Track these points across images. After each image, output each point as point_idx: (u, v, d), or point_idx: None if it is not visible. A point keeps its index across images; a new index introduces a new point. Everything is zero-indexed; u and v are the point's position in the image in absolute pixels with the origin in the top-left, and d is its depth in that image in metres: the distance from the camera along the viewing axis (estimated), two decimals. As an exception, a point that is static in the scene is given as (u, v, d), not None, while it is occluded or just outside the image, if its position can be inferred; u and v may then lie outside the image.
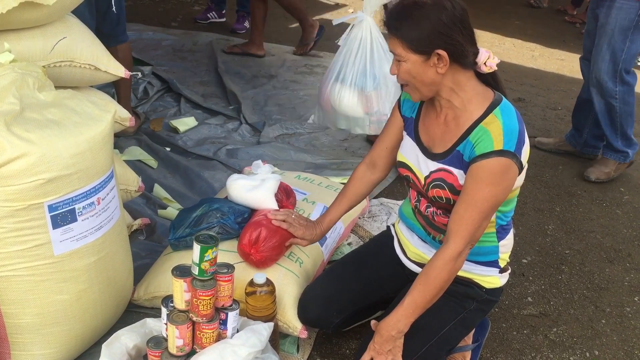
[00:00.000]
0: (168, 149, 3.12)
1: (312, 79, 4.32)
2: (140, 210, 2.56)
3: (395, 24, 1.58)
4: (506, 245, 1.81)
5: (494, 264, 1.79)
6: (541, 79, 4.92)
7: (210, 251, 1.55)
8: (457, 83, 1.63)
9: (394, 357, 1.65)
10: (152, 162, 2.95)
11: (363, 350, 1.70)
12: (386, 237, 2.04)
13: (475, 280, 1.78)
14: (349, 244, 2.49)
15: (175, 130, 3.33)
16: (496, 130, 1.58)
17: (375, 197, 2.86)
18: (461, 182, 1.66)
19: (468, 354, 1.92)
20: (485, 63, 1.64)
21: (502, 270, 1.82)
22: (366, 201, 2.64)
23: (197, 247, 1.54)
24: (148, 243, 2.40)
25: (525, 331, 2.15)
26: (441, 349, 1.75)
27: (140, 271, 2.09)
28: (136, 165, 2.85)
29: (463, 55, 1.59)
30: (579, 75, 5.05)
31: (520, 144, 1.59)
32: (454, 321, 1.76)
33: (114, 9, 2.82)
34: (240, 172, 2.92)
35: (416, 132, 1.78)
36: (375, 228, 2.61)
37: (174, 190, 2.77)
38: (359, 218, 2.61)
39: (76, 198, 1.58)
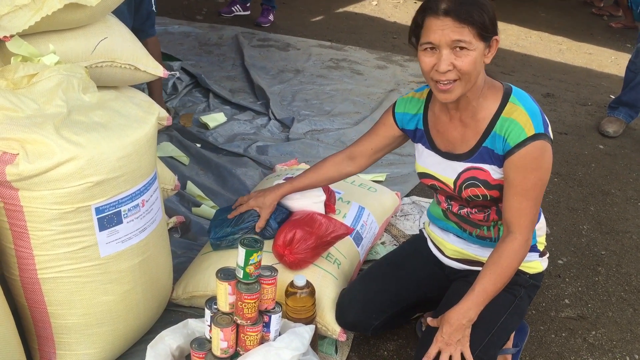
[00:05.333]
0: (199, 145, 3.12)
1: (339, 74, 4.30)
2: (174, 208, 2.56)
3: (466, 9, 1.46)
4: (541, 229, 1.83)
5: (533, 248, 1.79)
6: (569, 74, 4.86)
7: (255, 255, 1.55)
8: (482, 77, 1.61)
9: (463, 347, 1.61)
10: (184, 159, 2.95)
11: (425, 345, 1.63)
12: (419, 239, 2.03)
13: (520, 267, 1.76)
14: (383, 243, 2.48)
15: (205, 126, 3.33)
16: (522, 118, 1.58)
17: (407, 196, 2.84)
18: (494, 176, 1.65)
19: (509, 357, 1.91)
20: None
21: (541, 254, 1.83)
22: (398, 200, 2.63)
23: (242, 251, 1.54)
24: (183, 241, 2.41)
25: (563, 334, 2.13)
26: (501, 338, 1.73)
27: (177, 269, 2.10)
28: (168, 162, 2.85)
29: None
30: (608, 70, 5.04)
31: (545, 122, 1.60)
32: (508, 310, 1.75)
33: (154, 8, 2.83)
34: (271, 169, 2.93)
35: (430, 141, 1.76)
36: (407, 227, 2.60)
37: (207, 188, 2.77)
38: (392, 217, 2.60)
39: (122, 200, 1.58)
